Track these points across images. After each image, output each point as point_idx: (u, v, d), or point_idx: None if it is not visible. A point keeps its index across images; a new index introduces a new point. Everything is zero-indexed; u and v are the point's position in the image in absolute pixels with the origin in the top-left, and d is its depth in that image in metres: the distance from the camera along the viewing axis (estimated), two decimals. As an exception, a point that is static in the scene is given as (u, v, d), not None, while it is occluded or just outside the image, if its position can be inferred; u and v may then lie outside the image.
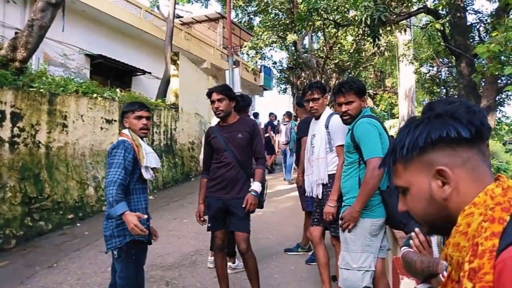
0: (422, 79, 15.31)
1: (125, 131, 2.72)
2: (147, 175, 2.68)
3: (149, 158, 2.70)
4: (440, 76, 15.38)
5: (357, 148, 2.53)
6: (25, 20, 9.24)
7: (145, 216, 2.46)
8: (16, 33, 8.56)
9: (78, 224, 6.01)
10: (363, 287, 2.45)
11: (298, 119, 5.83)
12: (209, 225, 3.20)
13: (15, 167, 5.31)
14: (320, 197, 3.20)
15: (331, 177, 3.10)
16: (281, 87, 24.18)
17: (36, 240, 5.24)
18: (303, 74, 19.36)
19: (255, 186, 3.08)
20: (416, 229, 1.50)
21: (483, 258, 0.69)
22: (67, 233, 5.55)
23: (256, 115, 13.08)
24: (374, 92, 21.50)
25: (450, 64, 13.57)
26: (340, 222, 2.58)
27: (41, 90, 5.91)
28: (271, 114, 12.53)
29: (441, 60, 12.83)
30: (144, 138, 2.77)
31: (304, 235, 4.61)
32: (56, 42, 10.45)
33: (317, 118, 3.30)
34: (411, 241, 1.49)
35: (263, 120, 13.26)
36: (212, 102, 3.11)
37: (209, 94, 3.15)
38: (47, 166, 5.90)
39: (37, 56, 9.01)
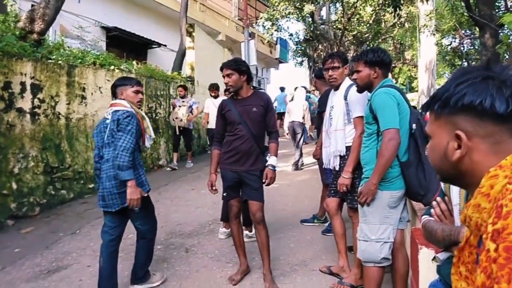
0: (444, 51, 14.83)
1: (123, 102, 2.89)
2: (148, 143, 3.00)
3: (150, 128, 3.05)
4: (462, 48, 14.88)
5: (376, 119, 2.49)
6: (41, -9, 9.20)
7: (145, 194, 2.88)
8: (32, 5, 8.56)
9: (99, 194, 6.17)
10: (381, 258, 2.45)
11: (318, 92, 5.78)
12: (224, 194, 3.26)
13: (37, 138, 5.43)
14: (337, 169, 3.20)
15: (348, 149, 3.08)
16: (297, 60, 23.78)
17: (58, 208, 5.42)
18: (320, 47, 19.02)
19: (272, 160, 3.12)
20: (438, 198, 1.49)
21: (508, 219, 0.69)
22: (88, 202, 5.72)
23: (282, 89, 14.19)
24: (393, 65, 21.01)
25: (472, 36, 13.10)
26: (358, 196, 2.57)
27: (60, 62, 5.96)
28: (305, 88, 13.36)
29: (463, 31, 12.38)
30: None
31: (320, 206, 4.65)
32: (72, 15, 10.43)
33: (336, 88, 3.26)
34: (432, 210, 1.48)
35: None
36: (223, 77, 3.12)
37: (221, 69, 3.18)
38: (68, 137, 6.02)
39: (54, 28, 9.02)
